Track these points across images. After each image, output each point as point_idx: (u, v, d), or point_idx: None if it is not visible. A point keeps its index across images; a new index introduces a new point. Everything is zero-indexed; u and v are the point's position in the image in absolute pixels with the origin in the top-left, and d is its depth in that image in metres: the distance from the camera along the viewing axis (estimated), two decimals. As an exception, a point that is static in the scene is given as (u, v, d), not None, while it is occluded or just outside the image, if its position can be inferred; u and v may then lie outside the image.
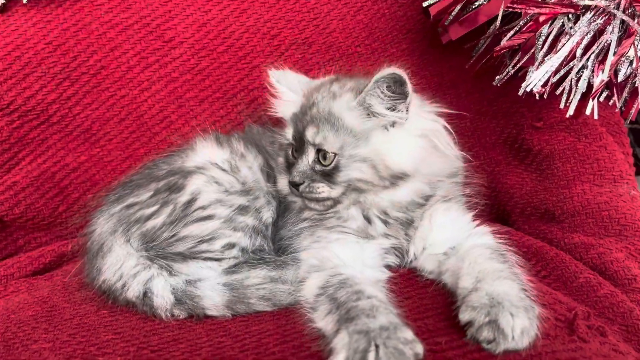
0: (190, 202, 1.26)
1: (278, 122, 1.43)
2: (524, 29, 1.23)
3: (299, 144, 1.21)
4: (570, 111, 1.25)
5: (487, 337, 0.88)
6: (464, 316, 0.92)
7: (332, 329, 0.91)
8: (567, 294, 1.14)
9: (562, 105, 1.33)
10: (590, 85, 1.27)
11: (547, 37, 1.24)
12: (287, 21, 1.70)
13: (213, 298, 1.13)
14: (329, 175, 1.17)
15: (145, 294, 1.15)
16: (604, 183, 1.31)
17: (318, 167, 1.18)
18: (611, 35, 1.19)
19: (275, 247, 1.31)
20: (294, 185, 1.19)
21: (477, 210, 1.23)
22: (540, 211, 1.38)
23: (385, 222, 1.20)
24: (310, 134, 1.18)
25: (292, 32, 1.70)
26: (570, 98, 1.31)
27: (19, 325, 1.11)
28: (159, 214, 1.27)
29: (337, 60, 1.68)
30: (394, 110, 1.14)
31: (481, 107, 1.60)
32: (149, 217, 1.28)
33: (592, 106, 1.28)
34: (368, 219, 1.20)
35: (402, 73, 1.09)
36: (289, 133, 1.24)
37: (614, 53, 1.18)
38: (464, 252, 1.11)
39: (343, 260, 1.12)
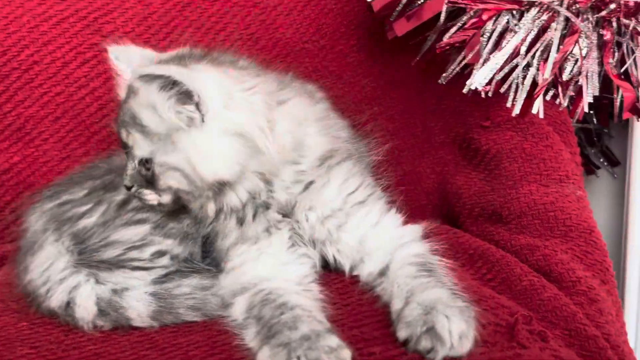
0: (125, 202, 1.19)
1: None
2: (467, 25, 1.20)
3: (123, 144, 1.08)
4: (517, 110, 1.22)
5: (425, 346, 0.84)
6: (402, 334, 0.88)
7: (258, 347, 0.86)
8: (511, 297, 1.10)
9: (508, 104, 1.30)
10: (535, 83, 1.25)
11: (491, 34, 1.21)
12: (233, 16, 1.63)
13: (138, 308, 1.06)
14: (151, 182, 1.06)
15: (68, 303, 1.07)
16: (550, 183, 1.29)
17: (143, 172, 1.06)
18: (555, 32, 1.17)
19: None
20: (127, 188, 1.09)
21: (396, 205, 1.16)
22: (487, 212, 1.35)
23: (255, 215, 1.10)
24: (123, 136, 1.06)
25: (237, 27, 1.64)
26: (517, 97, 1.28)
27: None
28: (92, 213, 1.19)
29: (285, 57, 1.63)
30: (180, 113, 0.98)
31: (430, 105, 1.56)
32: (81, 216, 1.19)
33: (537, 105, 1.26)
34: (241, 220, 1.10)
35: (170, 71, 0.95)
36: None
37: (557, 51, 1.16)
38: (394, 271, 1.03)
39: (261, 275, 1.04)
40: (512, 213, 1.29)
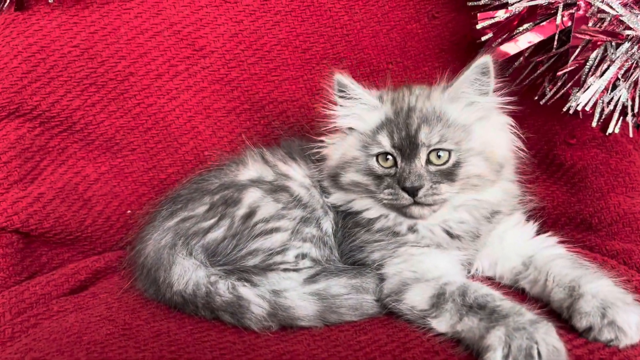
0: (249, 215, 1.25)
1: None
2: (578, 54, 1.34)
3: (407, 149, 1.17)
4: (616, 129, 1.37)
5: (607, 337, 0.96)
6: (582, 323, 0.99)
7: (478, 329, 0.94)
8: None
9: (594, 124, 1.46)
10: (624, 106, 1.41)
11: (594, 62, 1.36)
12: (320, 36, 1.72)
13: (305, 308, 1.11)
14: (449, 174, 1.16)
15: (237, 302, 1.11)
16: (635, 195, 1.45)
17: (433, 168, 1.17)
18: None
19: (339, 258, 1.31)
20: (413, 190, 1.14)
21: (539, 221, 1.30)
22: (575, 221, 1.49)
23: (458, 237, 1.22)
24: (424, 134, 1.16)
25: (324, 46, 1.72)
26: (602, 117, 1.45)
27: (102, 346, 1.03)
28: (217, 227, 1.25)
29: (367, 76, 1.72)
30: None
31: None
32: (207, 230, 1.25)
33: (630, 125, 1.43)
34: (450, 234, 1.22)
35: (490, 61, 1.17)
36: (384, 141, 1.20)
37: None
38: (542, 264, 1.15)
39: (444, 270, 1.13)
40: (603, 222, 1.43)
